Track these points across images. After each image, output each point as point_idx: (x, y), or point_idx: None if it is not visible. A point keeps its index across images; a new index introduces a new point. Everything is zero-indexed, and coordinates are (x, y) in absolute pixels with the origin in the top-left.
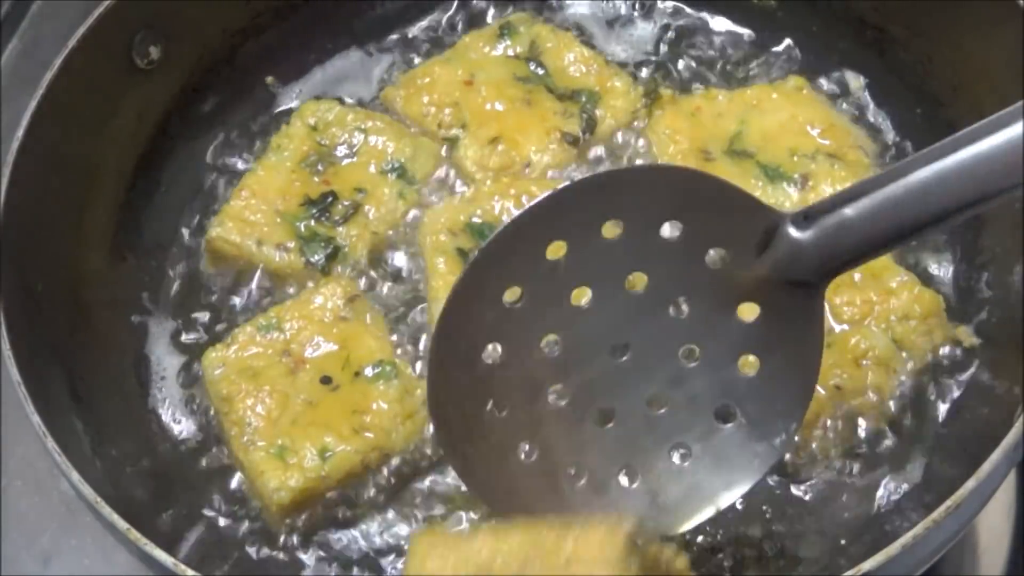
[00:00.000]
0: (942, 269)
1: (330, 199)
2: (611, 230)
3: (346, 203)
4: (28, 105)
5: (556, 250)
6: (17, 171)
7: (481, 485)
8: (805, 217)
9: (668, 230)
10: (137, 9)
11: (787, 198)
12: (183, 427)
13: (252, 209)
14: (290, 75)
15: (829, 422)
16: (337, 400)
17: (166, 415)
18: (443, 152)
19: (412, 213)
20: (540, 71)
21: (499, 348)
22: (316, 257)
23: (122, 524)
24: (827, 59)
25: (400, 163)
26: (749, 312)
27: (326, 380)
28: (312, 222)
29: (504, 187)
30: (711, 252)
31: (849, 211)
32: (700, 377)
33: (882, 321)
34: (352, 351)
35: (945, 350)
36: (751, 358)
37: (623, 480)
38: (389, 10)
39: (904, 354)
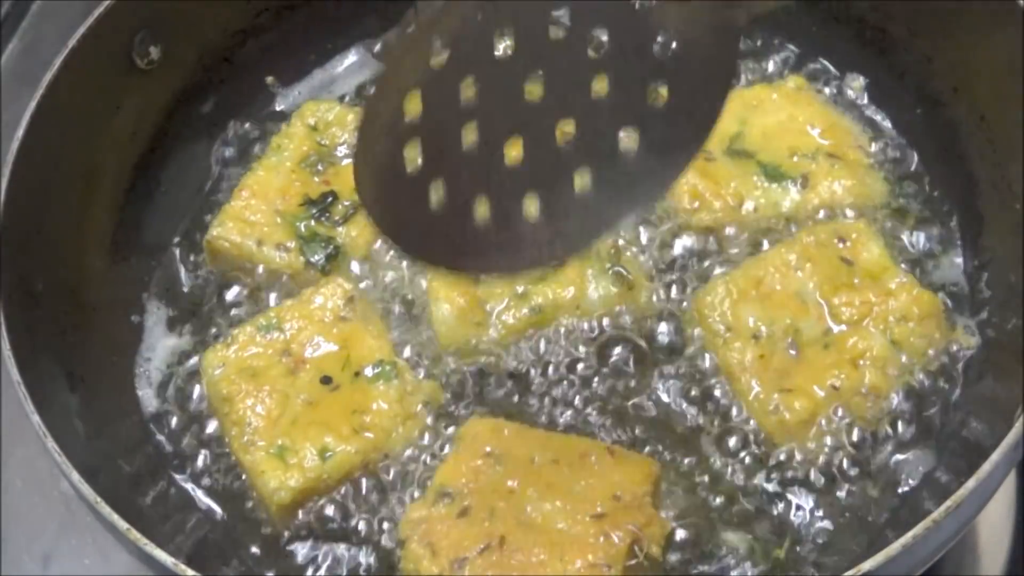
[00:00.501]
0: (943, 270)
1: (330, 199)
2: None
3: (346, 203)
4: (28, 105)
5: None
6: (17, 171)
7: (394, 230)
8: None
9: None
10: (137, 9)
11: (788, 197)
12: (183, 427)
13: (252, 209)
14: (290, 75)
15: (824, 423)
16: (337, 400)
17: (166, 415)
18: None
19: None
20: None
21: (419, 100)
22: (316, 257)
23: (122, 524)
24: (827, 59)
25: None
26: (664, 44)
27: (326, 380)
28: (312, 222)
29: None
30: None
31: None
32: (609, 106)
33: (880, 322)
34: (352, 351)
35: (944, 352)
36: (661, 88)
37: (529, 210)
38: (389, 10)
39: (903, 356)
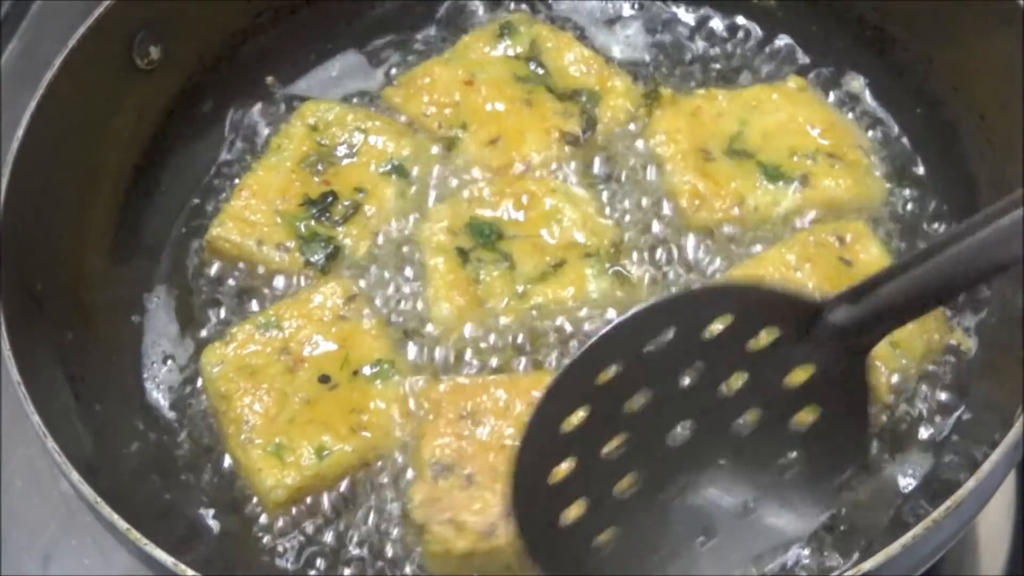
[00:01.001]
0: None
1: (330, 199)
2: (662, 342)
3: (346, 203)
4: (28, 105)
5: (611, 374)
6: (17, 171)
7: (536, 542)
8: (840, 301)
9: (717, 327)
10: (137, 9)
11: (788, 197)
12: (183, 427)
13: (252, 209)
14: (290, 75)
15: None
16: (335, 399)
17: (166, 415)
18: (443, 152)
19: (412, 213)
20: (540, 71)
21: (572, 462)
22: (316, 257)
23: (122, 524)
24: (827, 59)
25: (400, 163)
26: (798, 378)
27: (324, 379)
28: (312, 222)
29: (503, 187)
30: (760, 336)
31: (882, 293)
32: (758, 440)
33: None
34: (351, 350)
35: (942, 353)
36: (805, 414)
37: (699, 543)
38: (389, 10)
39: (901, 356)
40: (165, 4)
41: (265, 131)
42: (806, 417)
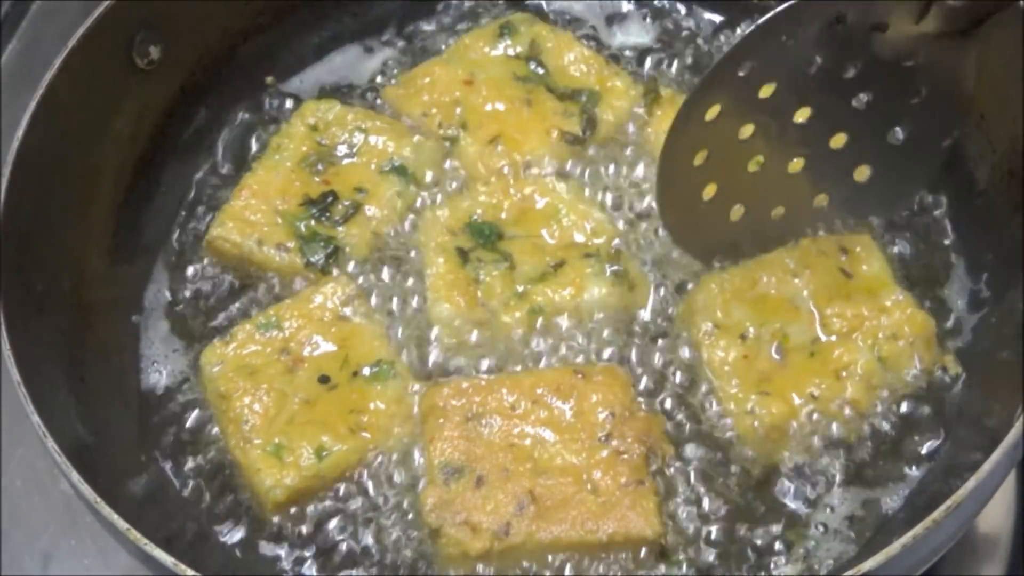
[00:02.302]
0: (946, 289)
1: (330, 199)
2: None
3: (346, 203)
4: (28, 105)
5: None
6: (17, 171)
7: (698, 247)
8: None
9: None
10: (137, 9)
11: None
12: (182, 427)
13: (252, 209)
14: (290, 75)
15: (796, 424)
16: (335, 399)
17: (166, 415)
18: (443, 151)
19: (413, 213)
20: (540, 71)
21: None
22: (316, 257)
23: (122, 524)
24: None
25: (400, 163)
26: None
27: (324, 379)
28: (312, 222)
29: (504, 186)
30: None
31: None
32: (872, 114)
33: (870, 337)
34: (351, 351)
35: (928, 375)
36: (920, 90)
37: (816, 201)
38: (389, 9)
39: (888, 374)
40: (165, 4)
41: (265, 131)
42: (917, 94)
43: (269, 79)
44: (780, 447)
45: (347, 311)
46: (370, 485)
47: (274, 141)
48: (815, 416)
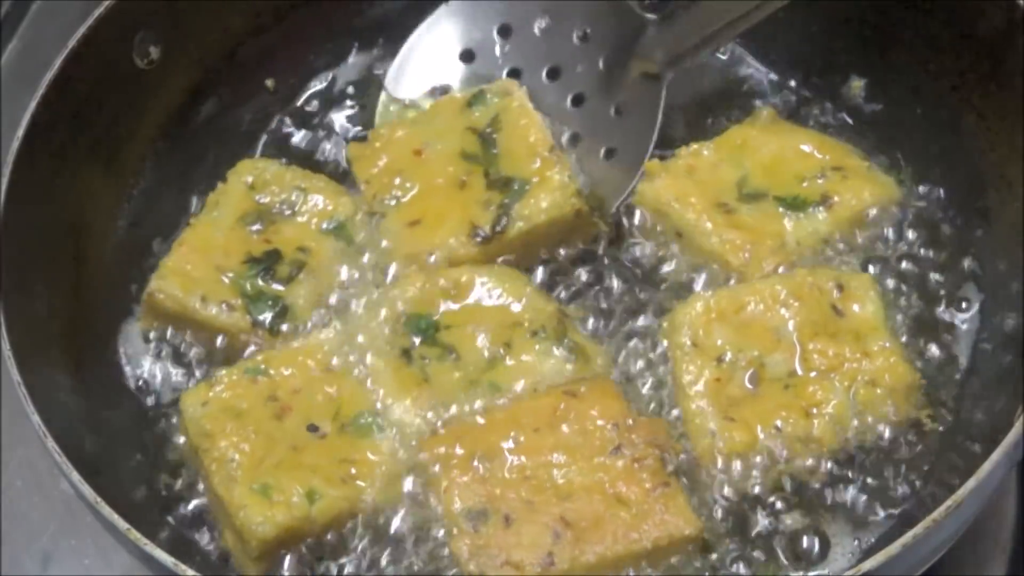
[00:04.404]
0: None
1: (274, 259)
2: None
3: (289, 263)
4: (28, 105)
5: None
6: (17, 171)
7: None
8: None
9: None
10: (137, 9)
11: (816, 223)
12: (182, 428)
13: (193, 264)
14: (290, 75)
15: (759, 459)
16: (324, 448)
17: (166, 415)
18: (371, 221)
19: (355, 274)
20: (494, 150)
21: None
22: (263, 316)
23: (122, 524)
24: (827, 59)
25: (340, 223)
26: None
27: (313, 428)
28: (259, 281)
29: (430, 274)
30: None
31: (685, 14)
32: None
33: (848, 379)
34: (341, 402)
35: (901, 428)
36: (620, 105)
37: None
38: (389, 10)
39: (856, 420)
40: (165, 4)
41: (263, 130)
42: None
43: (269, 80)
44: (748, 471)
45: (337, 362)
46: (363, 537)
47: (211, 198)
48: (777, 447)
